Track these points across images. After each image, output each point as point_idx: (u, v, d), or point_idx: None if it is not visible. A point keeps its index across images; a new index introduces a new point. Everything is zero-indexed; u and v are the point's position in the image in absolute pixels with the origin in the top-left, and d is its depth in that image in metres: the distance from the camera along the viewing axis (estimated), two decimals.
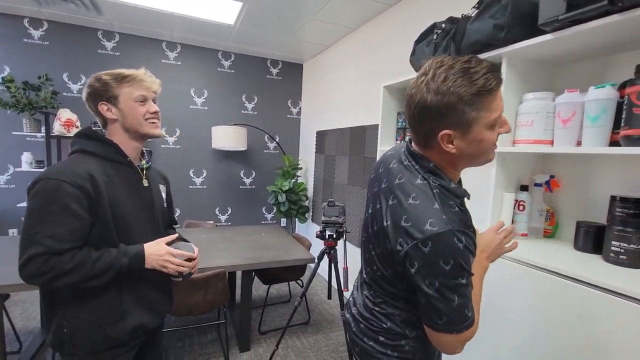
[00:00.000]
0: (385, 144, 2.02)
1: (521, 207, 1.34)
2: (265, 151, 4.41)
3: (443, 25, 1.46)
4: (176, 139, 3.93)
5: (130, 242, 1.01)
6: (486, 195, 1.35)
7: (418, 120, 0.71)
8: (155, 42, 3.76)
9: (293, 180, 4.04)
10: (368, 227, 0.86)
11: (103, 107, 1.02)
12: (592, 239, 1.18)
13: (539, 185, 1.39)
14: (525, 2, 1.17)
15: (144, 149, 1.19)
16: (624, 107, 0.98)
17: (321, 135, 3.94)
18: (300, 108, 4.58)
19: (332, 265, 1.82)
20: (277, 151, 4.45)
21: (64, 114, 3.03)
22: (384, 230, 0.76)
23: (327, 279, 3.55)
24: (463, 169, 0.80)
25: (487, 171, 1.39)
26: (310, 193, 4.25)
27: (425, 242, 0.66)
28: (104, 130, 1.08)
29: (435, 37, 1.48)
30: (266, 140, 4.39)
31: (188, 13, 3.00)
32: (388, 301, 0.83)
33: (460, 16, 1.41)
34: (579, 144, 1.15)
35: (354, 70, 3.24)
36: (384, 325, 0.83)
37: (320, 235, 1.76)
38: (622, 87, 1.07)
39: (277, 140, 4.40)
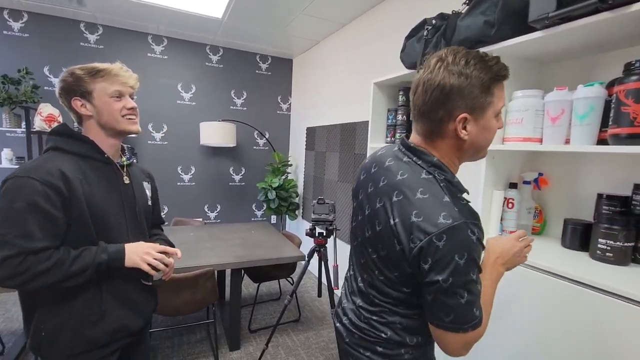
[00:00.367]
0: (376, 141, 2.01)
1: (510, 205, 1.35)
2: (254, 147, 4.36)
3: (433, 22, 1.45)
4: (163, 135, 3.85)
5: (111, 241, 0.98)
6: (476, 193, 1.34)
7: (437, 104, 0.69)
8: (140, 35, 3.66)
9: (283, 177, 4.01)
10: (365, 231, 0.81)
11: (77, 103, 0.98)
12: (579, 236, 1.19)
13: (528, 183, 1.39)
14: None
15: (125, 145, 1.15)
16: (612, 105, 0.98)
17: (311, 132, 3.91)
18: (290, 104, 4.53)
19: (323, 263, 1.80)
20: (267, 147, 4.40)
21: (45, 108, 2.93)
22: (391, 230, 0.72)
23: (317, 276, 3.55)
24: (462, 163, 0.79)
25: (476, 169, 1.39)
26: (300, 190, 4.22)
27: (440, 235, 0.64)
28: (80, 127, 1.04)
29: (425, 33, 1.47)
30: (256, 136, 4.34)
31: (174, 5, 2.92)
32: (388, 309, 0.78)
33: (450, 12, 1.40)
34: (567, 142, 1.15)
35: (344, 66, 3.21)
36: (383, 335, 0.79)
37: (310, 233, 1.75)
38: (610, 85, 1.08)
39: (266, 136, 4.35)
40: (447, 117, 0.70)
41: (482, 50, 1.27)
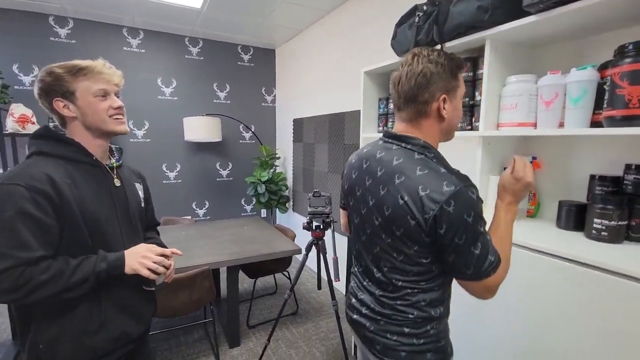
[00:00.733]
0: (368, 131, 1.99)
1: None
2: (241, 141, 4.28)
3: (424, 8, 1.43)
4: (145, 132, 3.72)
5: (106, 246, 0.94)
6: (472, 179, 1.36)
7: (421, 88, 0.81)
8: (114, 28, 3.49)
9: (272, 171, 3.97)
10: (374, 220, 0.86)
11: (59, 104, 0.92)
12: (574, 217, 1.22)
13: None
14: None
15: (113, 146, 1.09)
16: (607, 88, 1.00)
17: (298, 124, 3.86)
18: (274, 96, 4.45)
19: (321, 256, 1.80)
20: (254, 141, 4.33)
21: (17, 109, 2.77)
22: (402, 208, 0.78)
23: (312, 268, 3.56)
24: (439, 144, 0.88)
25: (472, 155, 1.40)
26: (290, 182, 4.19)
27: (448, 202, 0.73)
28: (63, 129, 0.98)
29: (417, 20, 1.45)
30: (241, 130, 4.26)
31: None
32: (411, 289, 0.84)
33: None
34: (561, 125, 1.17)
35: (329, 55, 3.16)
36: (410, 316, 0.85)
37: (308, 227, 1.73)
38: (602, 68, 1.10)
39: (252, 129, 4.27)
40: (430, 99, 0.81)
41: (475, 35, 1.28)
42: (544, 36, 1.27)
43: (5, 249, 0.77)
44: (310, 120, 3.57)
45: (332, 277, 1.73)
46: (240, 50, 4.14)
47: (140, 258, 0.94)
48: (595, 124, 1.09)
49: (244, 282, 3.24)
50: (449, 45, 1.38)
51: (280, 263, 2.57)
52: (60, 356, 0.89)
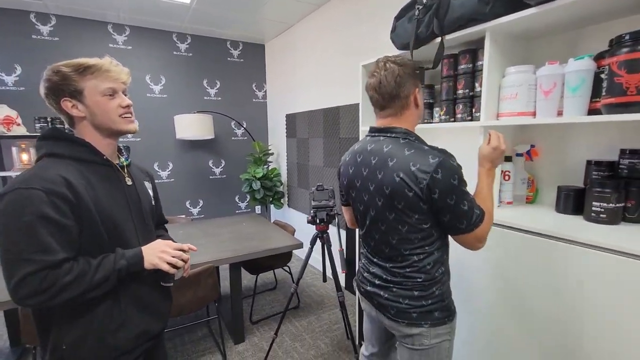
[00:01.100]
0: (367, 123, 2.01)
1: (507, 177, 1.42)
2: (233, 138, 4.25)
3: (424, 0, 1.45)
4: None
5: (123, 245, 0.93)
6: (475, 168, 1.40)
7: (402, 86, 0.99)
8: (99, 25, 3.39)
9: (266, 167, 3.96)
10: (377, 202, 1.01)
11: (67, 104, 0.90)
12: (573, 201, 1.28)
13: (520, 155, 1.47)
14: None
15: (120, 145, 1.08)
16: (605, 76, 1.04)
17: (291, 119, 3.85)
18: (265, 91, 4.42)
19: (326, 248, 1.82)
20: (246, 137, 4.30)
21: (2, 110, 2.67)
22: (399, 184, 0.93)
23: (311, 263, 3.58)
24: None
25: (474, 145, 1.44)
26: (284, 178, 4.19)
27: (436, 170, 0.89)
28: (71, 129, 0.96)
29: (417, 12, 1.47)
30: (233, 126, 4.22)
31: None
32: (417, 254, 0.99)
33: None
34: (559, 113, 1.22)
35: (322, 49, 3.16)
36: (418, 280, 1.00)
37: (312, 221, 1.75)
38: (598, 58, 1.14)
39: (244, 126, 4.24)
40: (409, 92, 1.00)
41: (476, 27, 1.31)
42: (541, 28, 1.31)
43: (27, 254, 0.76)
44: (304, 115, 3.57)
45: (339, 269, 1.75)
46: (229, 46, 4.09)
47: (159, 253, 0.94)
48: (592, 111, 1.14)
49: (244, 279, 3.24)
50: (449, 37, 1.41)
51: (281, 258, 2.58)
52: (84, 356, 0.88)
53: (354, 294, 2.64)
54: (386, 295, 1.05)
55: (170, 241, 1.01)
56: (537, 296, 1.16)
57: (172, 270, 0.96)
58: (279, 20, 3.48)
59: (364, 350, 1.34)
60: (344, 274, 1.69)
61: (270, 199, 3.95)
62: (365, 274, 1.15)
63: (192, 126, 3.54)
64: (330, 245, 1.82)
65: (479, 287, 1.35)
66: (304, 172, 3.68)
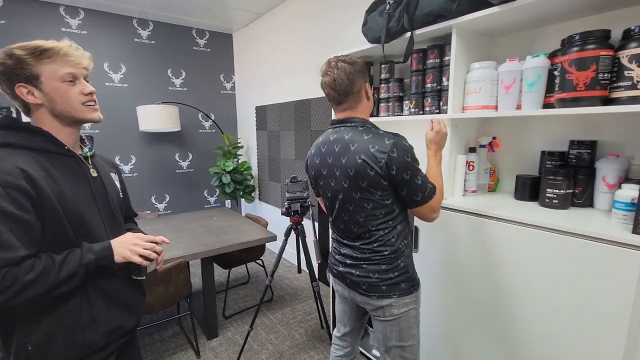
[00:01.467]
0: None
1: (471, 167, 1.50)
2: (200, 131, 4.12)
3: None
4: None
5: (90, 240, 0.89)
6: (443, 158, 1.47)
7: (354, 83, 1.11)
8: (50, 7, 3.12)
9: (236, 160, 3.88)
10: (343, 184, 1.12)
11: (22, 90, 0.84)
12: (529, 188, 1.39)
13: (483, 146, 1.56)
14: None
15: (83, 135, 1.02)
16: (558, 73, 1.14)
17: (261, 111, 3.80)
18: (234, 83, 4.32)
19: (300, 240, 1.84)
20: (214, 130, 4.19)
21: None
22: (362, 165, 1.05)
23: (284, 256, 3.58)
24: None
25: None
26: (254, 171, 4.14)
27: (392, 150, 1.02)
28: (28, 118, 0.90)
29: (387, 7, 1.51)
30: (200, 118, 4.09)
31: None
32: (382, 229, 1.11)
33: None
34: (518, 107, 1.31)
35: (293, 41, 3.14)
36: (385, 253, 1.11)
37: (286, 212, 1.75)
38: (552, 56, 1.24)
39: (212, 118, 4.12)
40: (360, 87, 1.14)
41: (443, 24, 1.37)
42: (503, 26, 1.39)
43: None
44: (274, 108, 3.54)
45: (314, 260, 1.78)
46: (195, 35, 3.94)
47: (130, 245, 0.91)
48: (547, 105, 1.24)
49: (216, 274, 3.17)
50: (419, 32, 1.46)
51: (254, 252, 2.57)
52: (52, 356, 0.84)
53: (328, 285, 2.68)
54: (357, 273, 1.15)
55: (141, 234, 0.98)
56: (488, 274, 1.25)
57: (144, 263, 0.93)
58: (247, 10, 3.40)
59: (335, 332, 1.40)
60: (319, 264, 1.71)
61: (241, 193, 3.89)
62: (337, 257, 1.24)
63: (156, 118, 3.39)
64: (305, 237, 1.84)
65: (437, 268, 1.43)
66: (275, 165, 3.66)
